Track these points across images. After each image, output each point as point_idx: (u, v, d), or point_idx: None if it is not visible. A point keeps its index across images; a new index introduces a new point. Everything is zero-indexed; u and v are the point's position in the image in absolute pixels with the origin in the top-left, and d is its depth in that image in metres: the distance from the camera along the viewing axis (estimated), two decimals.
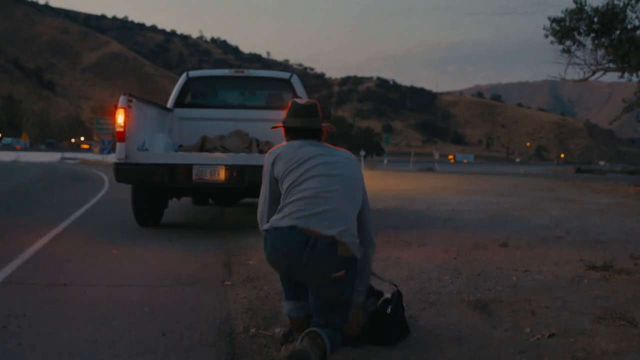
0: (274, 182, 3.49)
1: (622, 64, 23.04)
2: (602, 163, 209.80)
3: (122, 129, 7.05)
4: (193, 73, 9.35)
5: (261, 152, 8.56)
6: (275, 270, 3.40)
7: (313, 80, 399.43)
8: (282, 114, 8.20)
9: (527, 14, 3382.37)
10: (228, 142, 8.47)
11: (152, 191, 7.83)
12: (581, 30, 24.16)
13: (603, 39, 23.96)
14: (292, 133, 3.63)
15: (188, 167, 7.11)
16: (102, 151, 39.84)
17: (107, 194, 13.41)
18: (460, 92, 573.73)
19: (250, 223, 9.06)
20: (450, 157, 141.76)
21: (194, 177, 7.08)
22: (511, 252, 6.42)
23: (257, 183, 7.12)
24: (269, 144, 8.69)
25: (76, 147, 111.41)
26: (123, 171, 7.17)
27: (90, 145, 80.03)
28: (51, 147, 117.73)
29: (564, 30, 24.11)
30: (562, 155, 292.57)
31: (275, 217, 3.30)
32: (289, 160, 3.41)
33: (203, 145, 8.35)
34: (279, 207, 3.35)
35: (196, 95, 9.47)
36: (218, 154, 7.44)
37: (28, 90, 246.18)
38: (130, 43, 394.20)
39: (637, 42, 22.27)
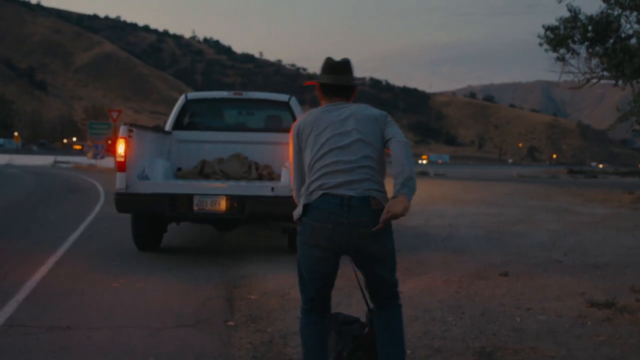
0: (300, 153, 3.62)
1: (616, 73, 23.12)
2: (594, 164, 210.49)
3: (122, 159, 7.04)
4: (191, 95, 9.36)
5: (260, 176, 8.54)
6: (310, 264, 3.46)
7: (306, 80, 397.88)
8: (282, 137, 8.21)
9: (520, 14, 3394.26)
10: (227, 165, 8.47)
11: (152, 217, 7.81)
12: (575, 39, 24.23)
13: (597, 48, 24.05)
14: (325, 90, 3.68)
15: (189, 197, 7.11)
16: (95, 156, 39.90)
17: (104, 208, 13.34)
18: (453, 93, 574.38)
19: (251, 245, 9.12)
20: (424, 157, 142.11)
21: (195, 207, 7.08)
22: (512, 284, 6.42)
23: (258, 214, 7.16)
24: (268, 168, 8.69)
25: (68, 148, 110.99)
26: (124, 202, 7.16)
27: (82, 146, 79.81)
28: (43, 148, 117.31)
29: (558, 38, 24.17)
30: (555, 156, 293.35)
31: (304, 194, 3.45)
32: (310, 132, 3.52)
33: (202, 169, 8.35)
34: (306, 184, 3.49)
35: (194, 117, 9.46)
36: (219, 184, 7.46)
37: (20, 90, 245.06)
38: (123, 43, 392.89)
39: (631, 52, 22.35)
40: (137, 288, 6.07)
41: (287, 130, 9.58)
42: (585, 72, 25.66)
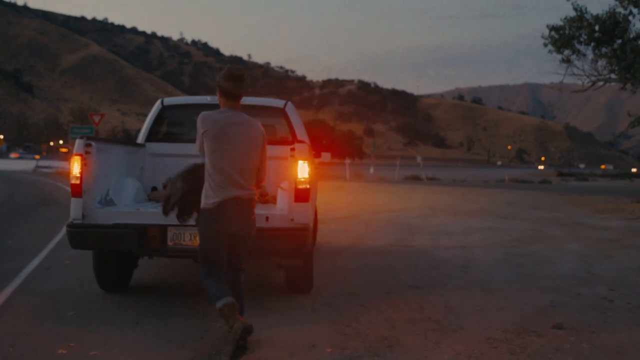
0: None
1: (625, 75, 21.86)
2: (581, 166, 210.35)
3: (78, 182, 5.59)
4: (169, 100, 7.81)
5: None
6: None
7: (294, 83, 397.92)
8: (276, 150, 6.79)
9: (507, 17, 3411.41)
10: None
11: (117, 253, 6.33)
12: (581, 39, 22.98)
13: (604, 49, 22.81)
14: (225, 95, 4.86)
15: (162, 230, 5.63)
16: None
17: None
18: (442, 95, 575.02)
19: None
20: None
21: (169, 242, 5.61)
22: (575, 343, 5.03)
23: (251, 250, 5.71)
24: (260, 188, 7.25)
25: (55, 150, 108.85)
26: (79, 236, 5.70)
27: (68, 150, 78.06)
28: (29, 151, 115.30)
29: (563, 38, 22.91)
30: (543, 158, 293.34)
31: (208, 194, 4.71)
32: (207, 135, 4.71)
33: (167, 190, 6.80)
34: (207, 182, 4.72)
35: (173, 126, 8.00)
36: None
37: (5, 92, 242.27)
38: (110, 45, 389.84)
39: None
40: (90, 358, 4.60)
41: (283, 142, 8.14)
42: (591, 74, 24.43)
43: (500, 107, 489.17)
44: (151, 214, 5.77)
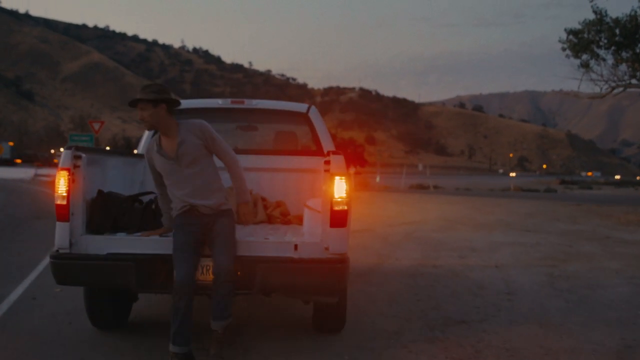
0: None
1: None
2: (584, 174, 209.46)
3: (64, 202, 4.54)
4: None
5: (271, 219, 6.09)
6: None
7: (295, 90, 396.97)
8: (299, 161, 5.75)
9: (506, 25, 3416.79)
10: None
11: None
12: (601, 43, 21.99)
13: (625, 53, 21.84)
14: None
15: (167, 261, 4.53)
16: None
17: None
18: (443, 103, 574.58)
19: (256, 319, 5.94)
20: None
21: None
22: None
23: (275, 286, 4.63)
24: (280, 206, 6.22)
25: (49, 160, 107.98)
26: (64, 269, 4.61)
27: (57, 161, 77.17)
28: (29, 159, 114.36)
29: (582, 42, 21.93)
30: (545, 166, 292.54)
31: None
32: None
33: None
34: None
35: None
36: None
37: (6, 99, 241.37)
38: (112, 52, 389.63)
39: None
40: None
41: (305, 153, 7.06)
42: (609, 80, 23.42)
43: (501, 115, 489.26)
44: (155, 241, 4.72)
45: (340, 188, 4.53)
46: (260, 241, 4.70)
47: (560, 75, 27.86)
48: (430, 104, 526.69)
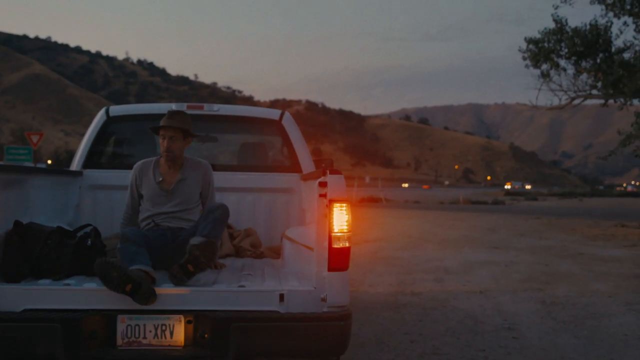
0: None
1: (613, 91, 20.36)
2: (528, 187, 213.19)
3: None
4: (116, 110, 5.44)
5: (240, 251, 4.91)
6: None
7: (242, 103, 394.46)
8: (270, 179, 4.61)
9: (450, 40, 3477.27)
10: None
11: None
12: (562, 53, 21.45)
13: (585, 62, 21.35)
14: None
15: (109, 319, 3.31)
16: None
17: None
18: (389, 115, 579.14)
19: None
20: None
21: (119, 341, 3.29)
22: None
23: (254, 350, 3.37)
24: (251, 235, 5.02)
25: None
26: None
27: None
28: None
29: (542, 52, 21.35)
30: (489, 178, 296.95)
31: None
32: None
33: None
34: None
35: (122, 146, 5.72)
36: (170, 289, 3.49)
37: None
38: (54, 64, 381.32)
39: (631, 67, 19.60)
40: None
41: (278, 169, 5.68)
42: (569, 90, 22.92)
43: (446, 128, 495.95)
44: (91, 292, 3.45)
45: (340, 219, 3.39)
46: (233, 290, 3.45)
47: (487, 91, 27.27)
48: (377, 116, 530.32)
